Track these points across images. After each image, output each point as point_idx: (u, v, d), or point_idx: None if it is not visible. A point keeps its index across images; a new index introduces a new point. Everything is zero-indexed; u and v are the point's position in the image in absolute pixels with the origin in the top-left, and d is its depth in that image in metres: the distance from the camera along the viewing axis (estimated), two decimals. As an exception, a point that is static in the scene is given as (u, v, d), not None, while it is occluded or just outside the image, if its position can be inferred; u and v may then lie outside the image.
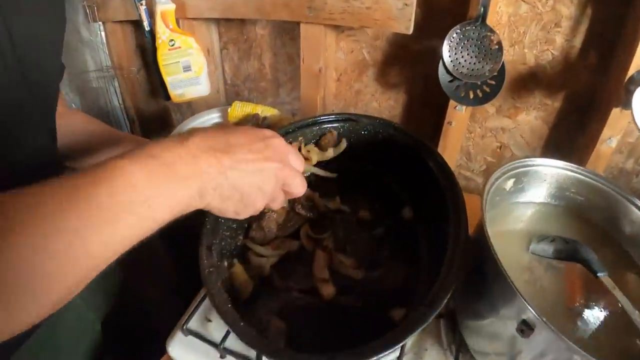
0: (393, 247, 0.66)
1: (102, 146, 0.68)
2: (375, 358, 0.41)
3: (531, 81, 0.80)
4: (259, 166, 0.40)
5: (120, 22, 1.12)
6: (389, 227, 0.69)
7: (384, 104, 0.98)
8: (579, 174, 0.60)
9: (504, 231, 0.60)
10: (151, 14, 0.98)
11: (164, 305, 0.87)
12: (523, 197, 0.63)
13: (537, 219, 0.62)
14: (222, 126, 0.78)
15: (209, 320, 0.61)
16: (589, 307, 0.50)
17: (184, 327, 0.56)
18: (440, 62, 0.74)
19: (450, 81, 0.76)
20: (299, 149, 0.68)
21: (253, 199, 0.41)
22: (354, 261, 0.63)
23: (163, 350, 0.59)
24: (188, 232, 0.55)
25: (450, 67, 0.74)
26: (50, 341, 0.58)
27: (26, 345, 0.54)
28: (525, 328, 0.41)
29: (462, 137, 0.88)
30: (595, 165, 0.76)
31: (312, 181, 0.68)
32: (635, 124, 0.60)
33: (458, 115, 0.83)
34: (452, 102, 0.81)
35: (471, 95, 0.76)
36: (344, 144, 0.70)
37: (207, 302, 0.62)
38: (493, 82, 0.73)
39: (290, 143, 0.62)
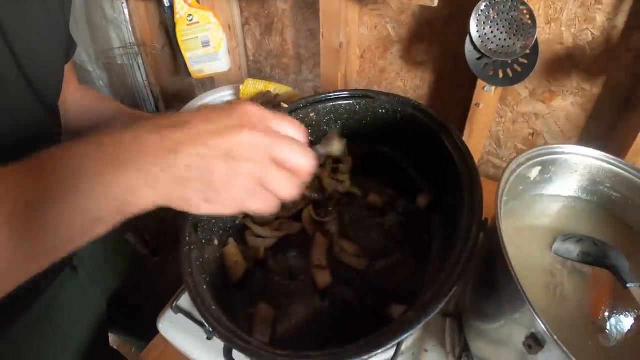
0: (402, 237, 0.62)
1: (106, 127, 0.66)
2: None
3: (568, 63, 0.72)
4: (225, 135, 0.31)
5: (143, -2, 1.11)
6: (401, 215, 0.64)
7: (409, 83, 0.92)
8: (616, 166, 0.52)
9: (525, 226, 0.53)
10: (170, -11, 0.96)
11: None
12: (549, 188, 0.56)
13: (563, 215, 0.55)
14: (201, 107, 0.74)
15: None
16: (614, 321, 0.44)
17: (174, 304, 0.55)
18: (468, 37, 0.67)
19: (479, 58, 0.69)
20: None
21: (227, 179, 0.31)
22: (357, 249, 0.59)
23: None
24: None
25: (478, 43, 0.67)
26: (50, 314, 0.59)
27: (24, 319, 0.54)
28: (534, 344, 0.35)
29: (491, 121, 0.81)
30: (636, 159, 0.67)
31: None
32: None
33: (486, 96, 0.76)
34: (480, 82, 0.74)
35: (501, 75, 0.68)
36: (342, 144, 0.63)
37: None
38: (525, 61, 0.66)
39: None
